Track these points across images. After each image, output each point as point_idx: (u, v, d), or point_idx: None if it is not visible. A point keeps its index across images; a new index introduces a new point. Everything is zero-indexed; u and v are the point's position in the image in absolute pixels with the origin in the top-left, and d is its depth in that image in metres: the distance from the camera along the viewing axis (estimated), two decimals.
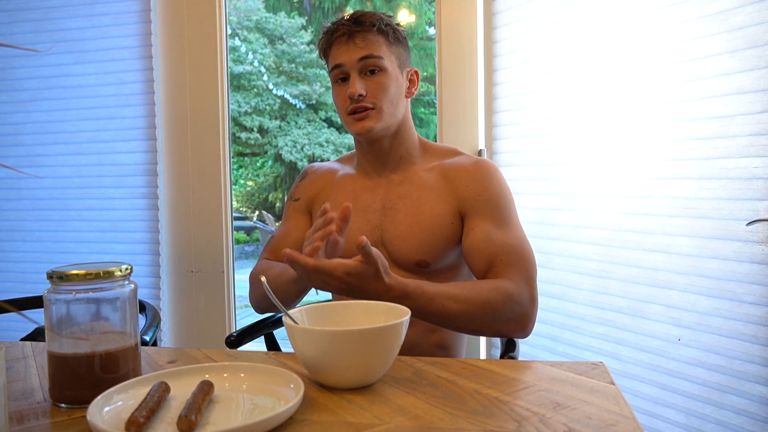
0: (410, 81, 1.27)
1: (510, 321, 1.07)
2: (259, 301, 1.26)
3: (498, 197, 1.18)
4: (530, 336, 1.12)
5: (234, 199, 8.86)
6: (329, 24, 1.23)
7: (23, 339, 1.32)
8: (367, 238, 1.22)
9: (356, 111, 1.18)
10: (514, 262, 1.11)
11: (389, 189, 1.25)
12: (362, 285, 0.96)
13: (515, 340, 1.20)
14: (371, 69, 1.18)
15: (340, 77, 1.21)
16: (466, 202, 1.18)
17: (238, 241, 10.00)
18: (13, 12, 2.20)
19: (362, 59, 1.17)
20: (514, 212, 1.20)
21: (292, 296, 1.15)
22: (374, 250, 0.95)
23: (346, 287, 0.97)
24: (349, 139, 10.74)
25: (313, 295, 1.47)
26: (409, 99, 1.27)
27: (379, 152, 1.25)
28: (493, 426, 0.66)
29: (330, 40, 1.21)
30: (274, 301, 0.85)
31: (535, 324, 1.11)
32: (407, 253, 1.19)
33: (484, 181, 1.19)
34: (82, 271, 0.74)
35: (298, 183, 1.38)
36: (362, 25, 1.19)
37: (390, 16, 1.24)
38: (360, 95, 1.17)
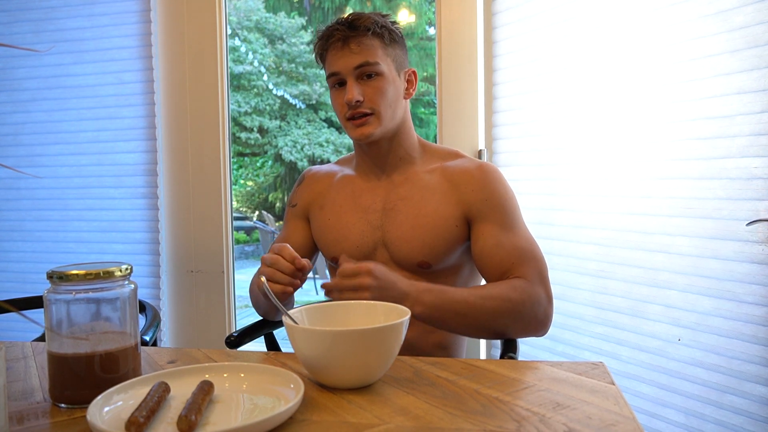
0: (408, 81, 1.25)
1: (532, 320, 1.10)
2: (259, 308, 1.27)
3: (505, 201, 1.19)
4: None
5: (234, 199, 8.86)
6: (324, 28, 1.21)
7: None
8: (368, 240, 1.23)
9: (355, 116, 1.18)
10: (527, 264, 1.13)
11: (390, 190, 1.25)
12: (385, 287, 0.99)
13: (515, 339, 1.20)
14: (368, 74, 1.17)
15: (337, 83, 1.20)
16: (472, 207, 1.18)
17: (238, 241, 10.00)
18: (13, 12, 2.20)
19: (358, 67, 1.16)
20: (520, 214, 1.21)
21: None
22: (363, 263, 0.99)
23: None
24: (350, 140, 10.71)
25: (314, 296, 1.47)
26: (408, 100, 1.26)
27: (378, 154, 1.25)
28: (493, 426, 0.66)
29: (325, 45, 1.20)
30: (274, 302, 0.86)
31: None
32: (409, 254, 1.19)
33: (489, 186, 1.19)
34: (82, 271, 0.74)
35: (296, 188, 1.38)
36: (357, 29, 1.17)
37: (385, 16, 1.22)
38: (357, 101, 1.16)
